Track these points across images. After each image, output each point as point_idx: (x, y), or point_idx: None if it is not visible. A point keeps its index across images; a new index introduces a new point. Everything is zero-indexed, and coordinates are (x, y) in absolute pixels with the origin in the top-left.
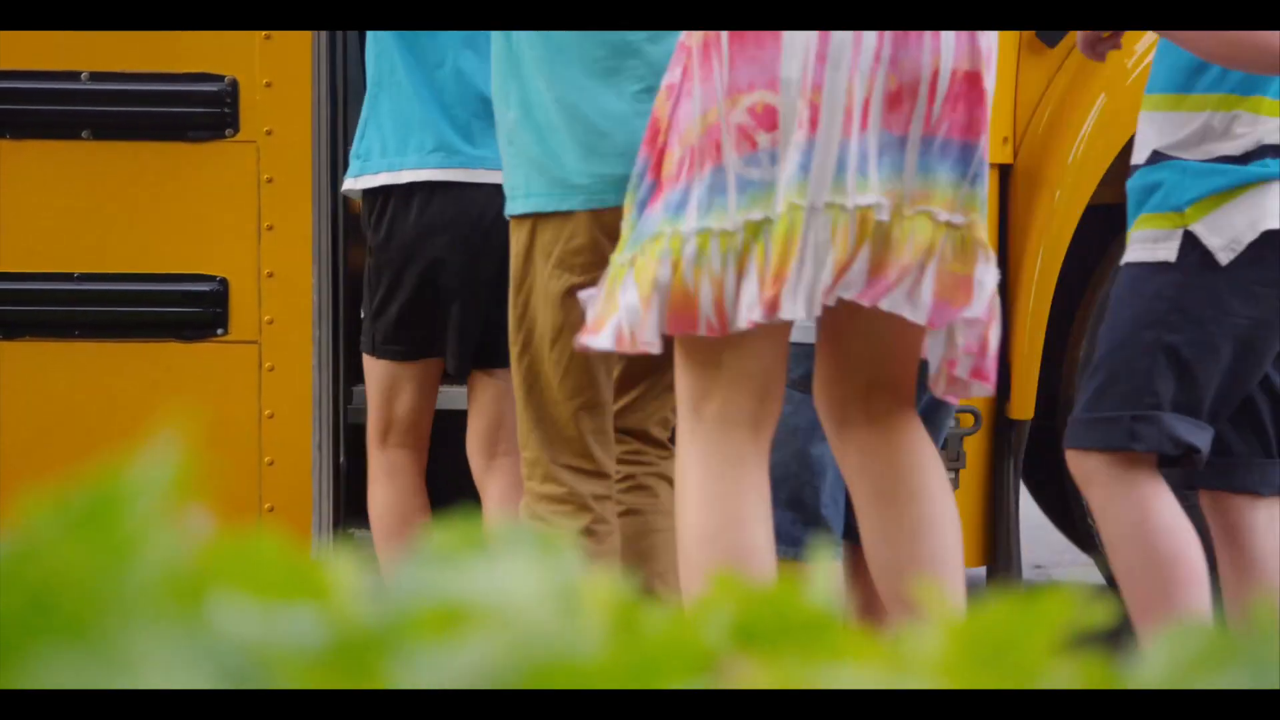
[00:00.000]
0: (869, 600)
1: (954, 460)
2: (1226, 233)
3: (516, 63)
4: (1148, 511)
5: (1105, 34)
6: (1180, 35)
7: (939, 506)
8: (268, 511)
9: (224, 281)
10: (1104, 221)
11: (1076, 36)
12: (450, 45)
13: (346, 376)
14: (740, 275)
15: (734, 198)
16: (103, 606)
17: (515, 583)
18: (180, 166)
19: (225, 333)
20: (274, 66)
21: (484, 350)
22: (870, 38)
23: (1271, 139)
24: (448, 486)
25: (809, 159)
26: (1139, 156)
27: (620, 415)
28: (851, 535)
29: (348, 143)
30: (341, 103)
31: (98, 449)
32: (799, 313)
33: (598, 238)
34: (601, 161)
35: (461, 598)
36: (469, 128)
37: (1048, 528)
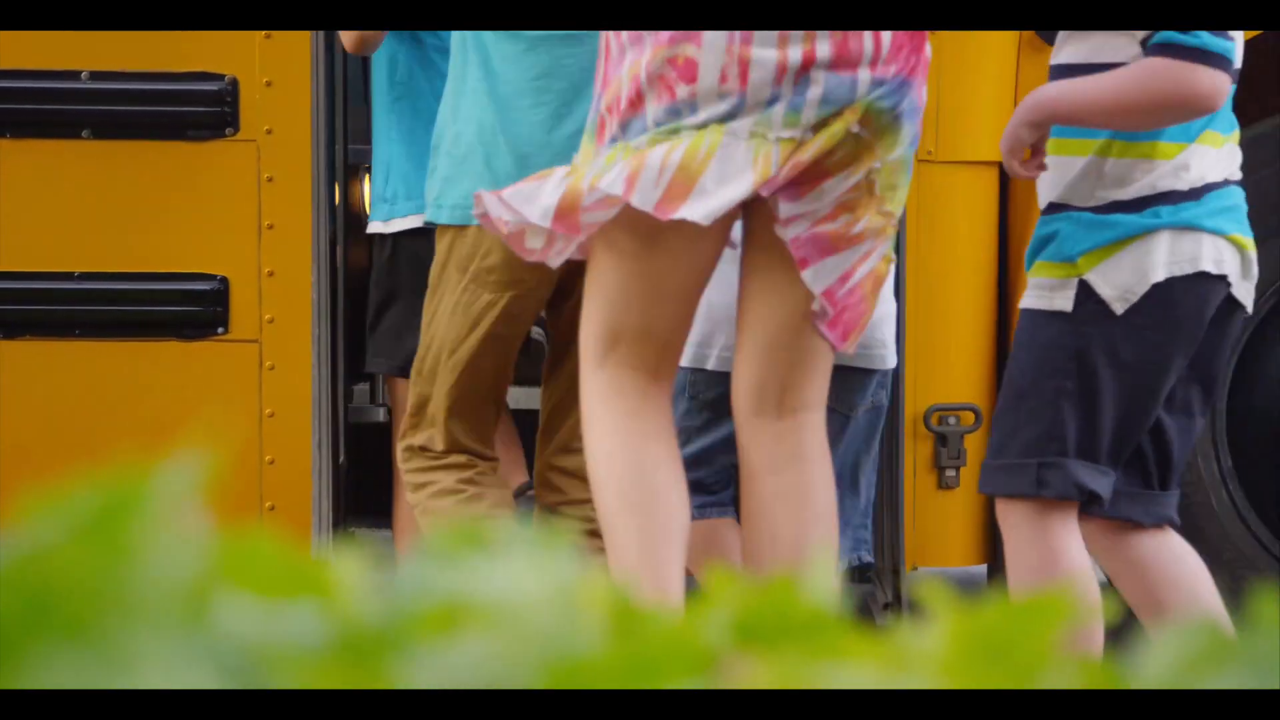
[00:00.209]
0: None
1: (954, 458)
2: (1118, 283)
3: (462, 79)
4: (1057, 558)
5: (1028, 154)
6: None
7: (822, 511)
8: (268, 510)
9: (224, 280)
10: None
11: (1001, 153)
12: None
13: (347, 375)
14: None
15: (650, 134)
16: (106, 606)
17: (517, 582)
18: (180, 165)
19: (225, 332)
20: (274, 65)
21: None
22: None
23: (1164, 185)
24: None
25: (739, 110)
26: (1042, 201)
27: (563, 454)
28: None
29: (348, 141)
30: (341, 102)
31: (98, 448)
32: (698, 214)
33: (511, 256)
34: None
35: (464, 597)
36: None
37: None
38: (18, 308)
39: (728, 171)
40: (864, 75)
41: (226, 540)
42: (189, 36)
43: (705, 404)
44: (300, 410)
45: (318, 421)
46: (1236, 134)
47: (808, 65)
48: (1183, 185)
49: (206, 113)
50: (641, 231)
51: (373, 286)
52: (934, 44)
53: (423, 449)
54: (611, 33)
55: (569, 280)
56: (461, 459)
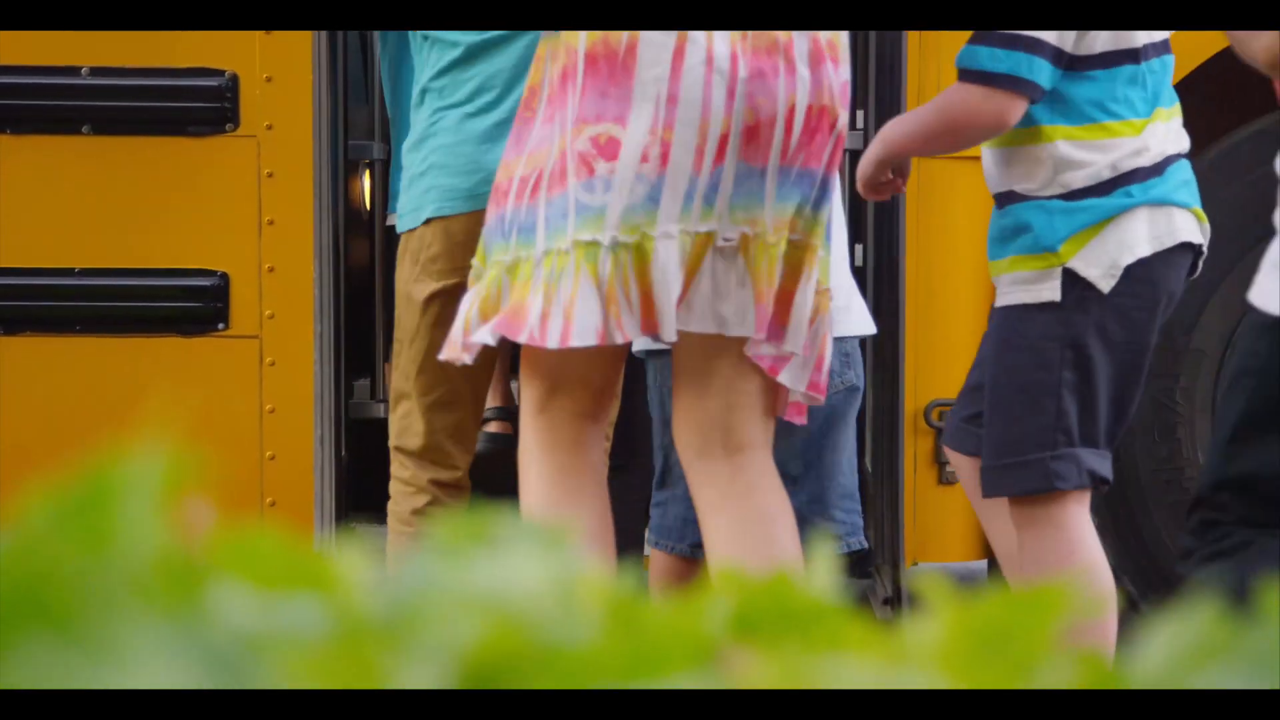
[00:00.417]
0: None
1: None
2: (1103, 262)
3: (423, 92)
4: (1074, 551)
5: (886, 179)
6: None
7: (785, 538)
8: (269, 506)
9: (225, 276)
10: None
11: (858, 177)
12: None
13: (348, 371)
14: (572, 294)
15: (572, 220)
16: (95, 599)
17: (516, 575)
18: (181, 161)
19: (226, 327)
20: (274, 61)
21: None
22: (721, 76)
23: (1127, 164)
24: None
25: (659, 191)
26: (992, 191)
27: None
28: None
29: (348, 137)
30: (342, 97)
31: (99, 444)
32: (668, 335)
33: (450, 246)
34: (450, 175)
35: (462, 590)
36: None
37: None
38: (18, 304)
39: (671, 277)
40: (773, 163)
41: (224, 532)
42: (189, 32)
43: None
44: (301, 406)
45: (319, 417)
46: (1178, 107)
47: (722, 151)
48: (1145, 162)
49: (207, 108)
50: None
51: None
52: (932, 39)
53: (397, 449)
54: (537, 88)
55: None
56: (423, 482)
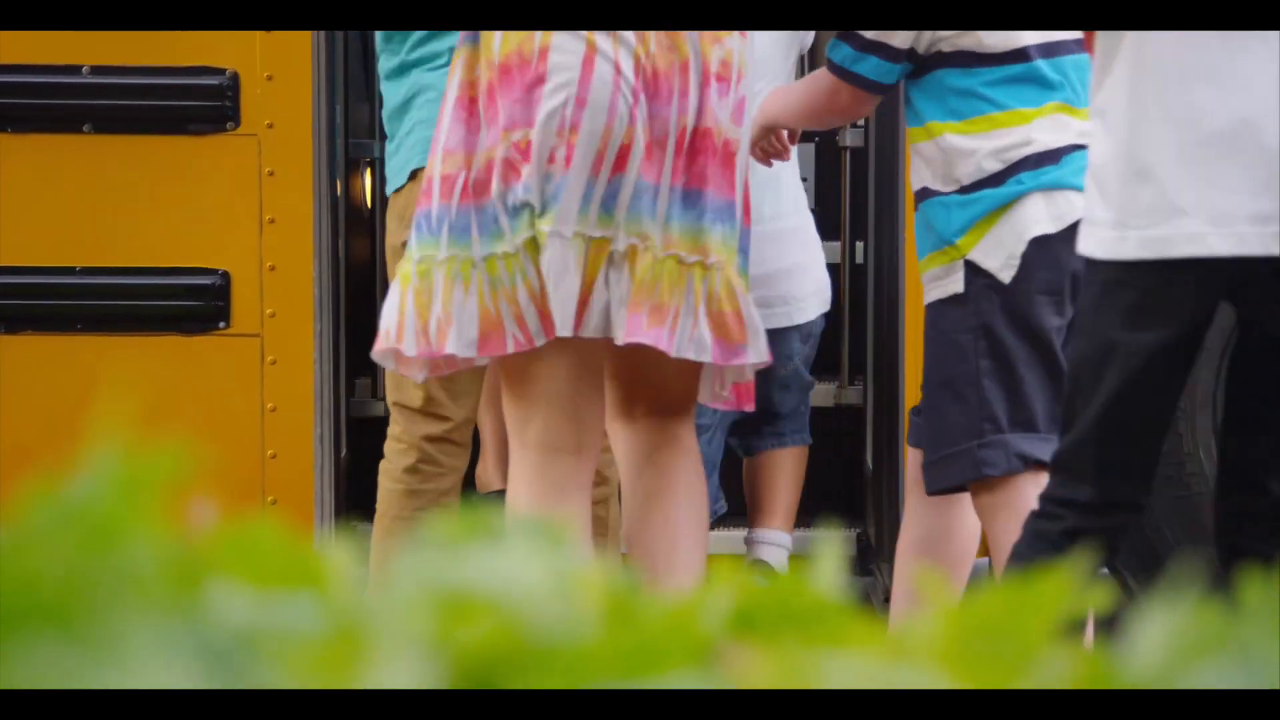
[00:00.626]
0: None
1: None
2: (1000, 252)
3: (401, 65)
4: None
5: (769, 144)
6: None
7: (695, 502)
8: (270, 504)
9: (225, 275)
10: None
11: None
12: None
13: (348, 369)
14: (530, 294)
15: (506, 222)
16: (93, 595)
17: (515, 571)
18: (181, 160)
19: (227, 326)
20: (274, 60)
21: None
22: (626, 88)
23: (1017, 154)
24: None
25: (560, 190)
26: (914, 188)
27: None
28: None
29: (349, 135)
30: (342, 95)
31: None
32: (564, 330)
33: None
34: (434, 127)
35: (460, 585)
36: None
37: None
38: (19, 303)
39: (561, 276)
40: (664, 183)
41: (221, 529)
42: (190, 31)
43: None
44: (302, 404)
45: (320, 416)
46: (1086, 112)
47: (624, 161)
48: (1036, 150)
49: (207, 107)
50: None
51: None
52: None
53: (394, 404)
54: (461, 95)
55: None
56: (415, 439)
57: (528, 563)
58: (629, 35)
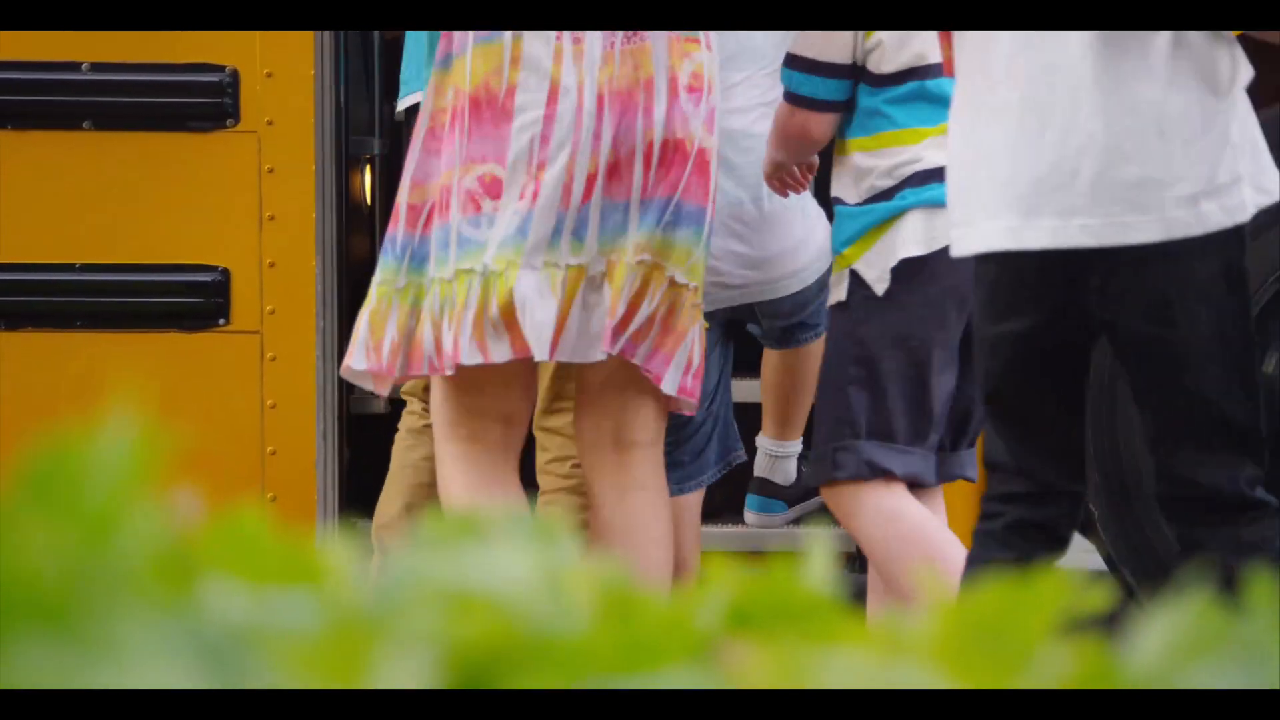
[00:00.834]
0: None
1: None
2: (877, 266)
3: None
4: (893, 519)
5: (782, 178)
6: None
7: (656, 537)
8: (270, 501)
9: (225, 272)
10: None
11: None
12: None
13: None
14: (454, 320)
15: (454, 251)
16: (87, 591)
17: (510, 568)
18: (181, 157)
19: (227, 323)
20: (274, 57)
21: None
22: (589, 119)
23: (908, 170)
24: None
25: (527, 225)
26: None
27: (544, 415)
28: None
29: (349, 132)
30: (343, 92)
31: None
32: (541, 355)
33: None
34: None
35: (455, 583)
36: None
37: None
38: (19, 299)
39: (535, 304)
40: (635, 197)
41: (215, 523)
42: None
43: None
44: (301, 401)
45: (321, 412)
46: None
47: (590, 189)
48: (925, 167)
49: (207, 104)
50: None
51: None
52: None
53: (407, 393)
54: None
55: None
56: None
57: (524, 559)
58: (595, 62)
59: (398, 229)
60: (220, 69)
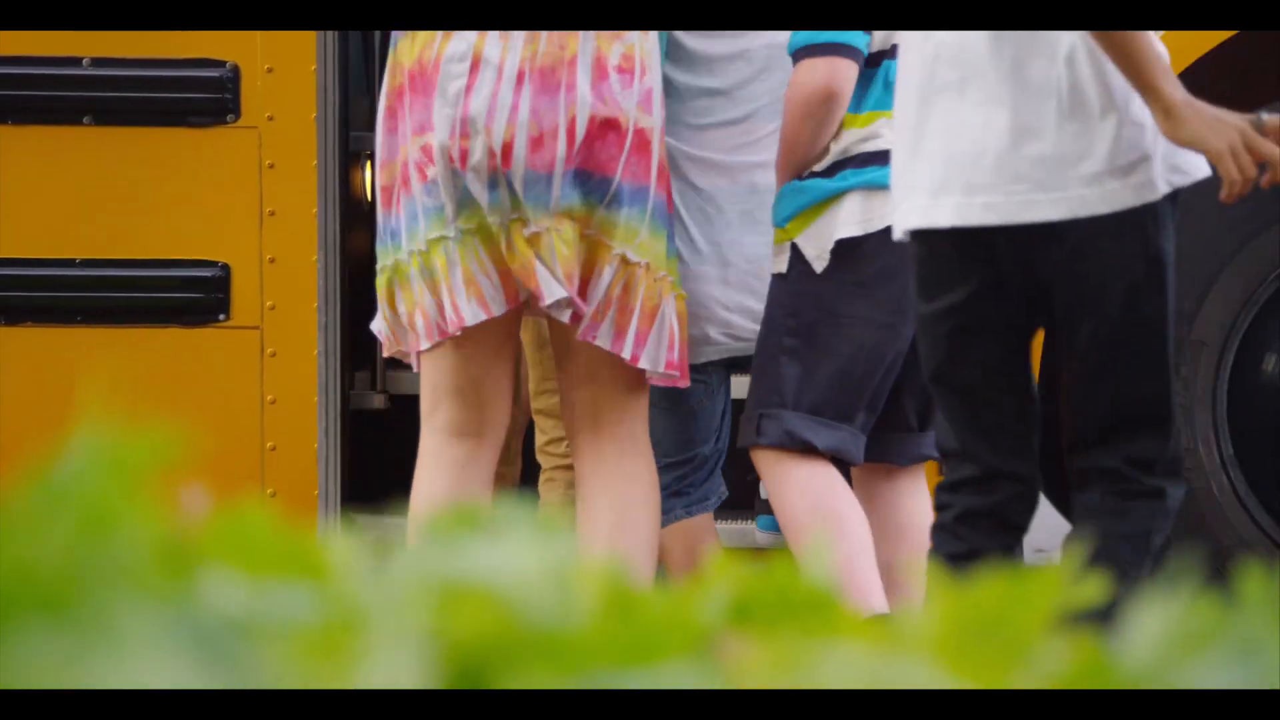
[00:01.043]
0: None
1: None
2: (817, 243)
3: None
4: (806, 492)
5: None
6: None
7: (641, 527)
8: (269, 497)
9: (226, 267)
10: None
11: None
12: None
13: (351, 362)
14: (448, 288)
15: (422, 223)
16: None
17: (512, 562)
18: (182, 152)
19: (227, 318)
20: (275, 52)
21: None
22: (507, 91)
23: (854, 150)
24: None
25: (458, 190)
26: None
27: (537, 397)
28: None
29: (350, 128)
30: (344, 88)
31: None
32: (499, 309)
33: None
34: None
35: (455, 577)
36: None
37: (1049, 512)
38: (19, 294)
39: (475, 272)
40: (558, 170)
41: (217, 517)
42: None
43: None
44: (301, 396)
45: (323, 407)
46: None
47: (508, 156)
48: (870, 149)
49: (208, 99)
50: None
51: None
52: None
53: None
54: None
55: None
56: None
57: (523, 553)
58: (518, 39)
59: (378, 213)
60: (221, 64)
